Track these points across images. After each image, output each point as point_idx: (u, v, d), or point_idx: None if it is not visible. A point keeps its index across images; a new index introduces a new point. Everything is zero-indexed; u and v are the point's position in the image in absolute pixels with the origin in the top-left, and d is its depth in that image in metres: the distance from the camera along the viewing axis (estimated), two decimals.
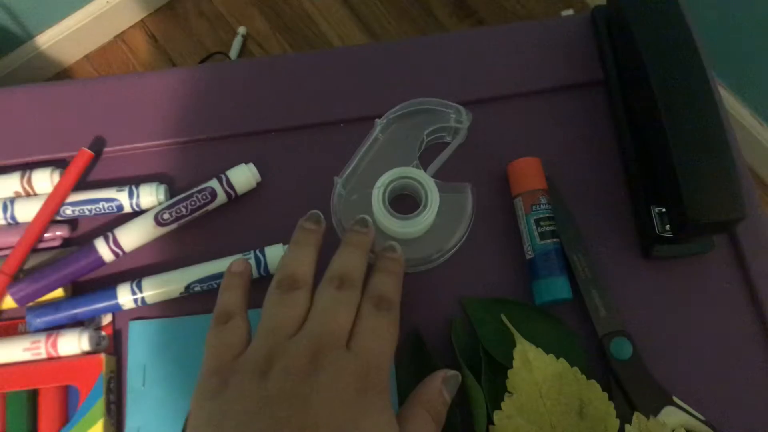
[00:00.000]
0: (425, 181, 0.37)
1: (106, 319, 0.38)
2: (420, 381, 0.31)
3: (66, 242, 0.39)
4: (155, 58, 1.34)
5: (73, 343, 0.35)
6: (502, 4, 1.38)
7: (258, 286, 0.34)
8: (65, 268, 0.36)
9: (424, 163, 0.39)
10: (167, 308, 0.38)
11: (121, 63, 1.34)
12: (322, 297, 0.30)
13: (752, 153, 1.15)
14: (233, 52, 1.31)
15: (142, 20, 1.37)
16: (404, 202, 0.39)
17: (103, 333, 0.37)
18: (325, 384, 0.27)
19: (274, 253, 0.38)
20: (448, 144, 0.41)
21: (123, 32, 1.36)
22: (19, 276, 0.37)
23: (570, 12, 1.37)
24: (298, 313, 0.30)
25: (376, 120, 0.39)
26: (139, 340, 0.37)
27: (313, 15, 1.37)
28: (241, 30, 1.33)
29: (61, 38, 1.28)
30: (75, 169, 0.38)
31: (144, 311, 0.38)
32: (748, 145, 1.13)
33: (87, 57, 1.34)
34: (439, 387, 0.30)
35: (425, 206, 0.37)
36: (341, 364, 0.27)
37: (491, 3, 1.38)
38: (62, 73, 1.33)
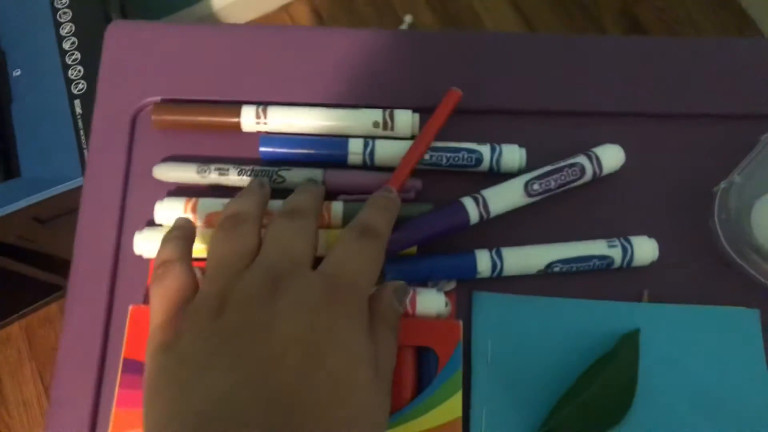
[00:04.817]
0: None
1: (449, 286, 0.35)
2: None
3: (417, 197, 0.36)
4: None
5: (431, 303, 0.33)
6: (675, 29, 1.32)
7: None
8: (434, 223, 0.33)
9: None
10: (512, 285, 0.35)
11: None
12: (272, 227, 0.28)
13: None
14: None
15: None
16: None
17: (447, 299, 0.34)
18: (288, 306, 0.23)
19: (641, 244, 0.34)
20: None
21: (289, 3, 1.37)
22: None
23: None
24: (247, 247, 0.26)
25: None
26: (484, 313, 0.34)
27: (479, 12, 1.34)
28: (408, 19, 1.32)
29: (229, 2, 1.30)
30: (446, 109, 0.35)
31: (484, 284, 0.35)
32: None
33: (249, 23, 1.35)
34: (390, 298, 0.28)
35: None
36: (305, 283, 0.24)
37: (664, 29, 1.32)
38: None
